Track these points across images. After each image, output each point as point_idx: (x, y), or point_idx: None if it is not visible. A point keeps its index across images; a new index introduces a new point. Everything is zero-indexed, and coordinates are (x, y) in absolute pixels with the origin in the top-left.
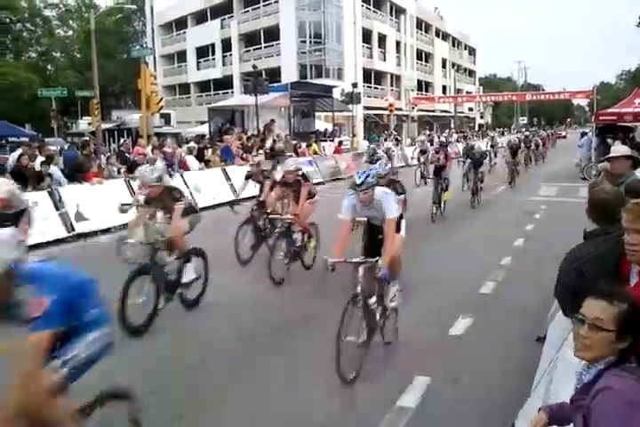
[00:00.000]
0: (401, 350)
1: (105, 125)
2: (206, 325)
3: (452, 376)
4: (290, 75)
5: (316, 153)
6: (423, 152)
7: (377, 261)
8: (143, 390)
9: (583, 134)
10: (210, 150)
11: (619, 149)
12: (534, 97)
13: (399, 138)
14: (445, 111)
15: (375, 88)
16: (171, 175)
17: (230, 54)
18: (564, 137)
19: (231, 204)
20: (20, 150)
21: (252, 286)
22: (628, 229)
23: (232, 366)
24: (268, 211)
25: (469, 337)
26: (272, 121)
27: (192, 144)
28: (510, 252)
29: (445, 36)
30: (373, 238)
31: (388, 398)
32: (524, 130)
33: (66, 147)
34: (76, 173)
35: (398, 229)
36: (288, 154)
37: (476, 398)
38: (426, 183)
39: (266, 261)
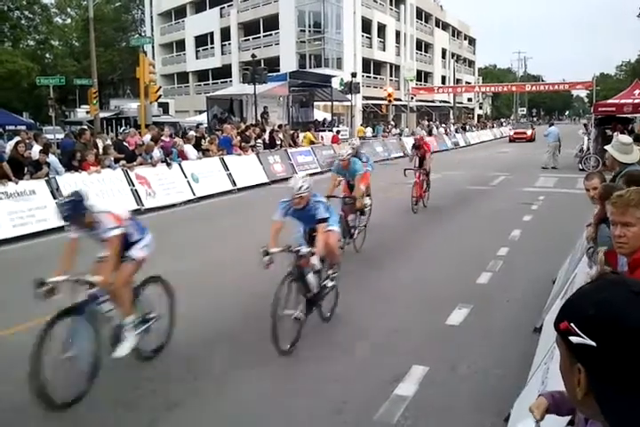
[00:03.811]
0: (398, 339)
1: (103, 114)
2: (206, 309)
3: (448, 365)
4: (289, 64)
5: (312, 142)
6: None
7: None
8: (141, 377)
9: (551, 125)
10: (207, 139)
11: (623, 139)
12: (534, 88)
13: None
14: (444, 102)
15: (374, 78)
16: (169, 164)
17: (229, 43)
18: (530, 139)
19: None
20: (17, 138)
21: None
22: (613, 222)
23: (231, 354)
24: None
25: (466, 327)
26: (265, 108)
27: (192, 133)
28: (507, 243)
29: (445, 26)
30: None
31: (386, 387)
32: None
33: (62, 136)
34: (70, 161)
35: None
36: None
37: (472, 387)
38: None
39: None
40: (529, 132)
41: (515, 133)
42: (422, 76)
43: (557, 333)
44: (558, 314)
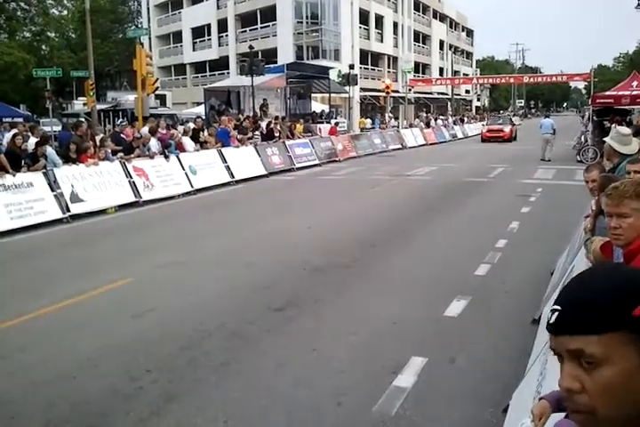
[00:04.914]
0: (396, 330)
1: (100, 106)
2: (207, 300)
3: (447, 357)
4: (286, 56)
5: (309, 134)
6: None
7: None
8: (140, 368)
9: (546, 116)
10: (205, 131)
11: (622, 130)
12: (532, 79)
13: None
14: (442, 93)
15: (372, 70)
16: (166, 156)
17: (226, 35)
18: (508, 139)
19: None
20: (14, 131)
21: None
22: (609, 214)
23: (231, 346)
24: None
25: (465, 318)
26: (264, 100)
27: (190, 124)
28: (505, 234)
29: (443, 18)
30: None
31: (385, 378)
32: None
33: (59, 128)
34: (68, 153)
35: None
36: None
37: (471, 378)
38: None
39: None
40: (507, 129)
41: (488, 131)
42: (420, 68)
43: (626, 322)
44: (624, 300)
